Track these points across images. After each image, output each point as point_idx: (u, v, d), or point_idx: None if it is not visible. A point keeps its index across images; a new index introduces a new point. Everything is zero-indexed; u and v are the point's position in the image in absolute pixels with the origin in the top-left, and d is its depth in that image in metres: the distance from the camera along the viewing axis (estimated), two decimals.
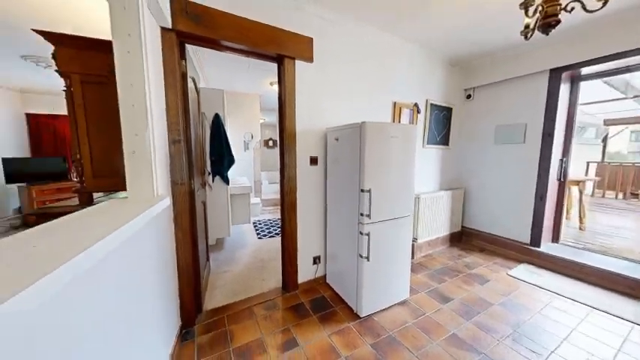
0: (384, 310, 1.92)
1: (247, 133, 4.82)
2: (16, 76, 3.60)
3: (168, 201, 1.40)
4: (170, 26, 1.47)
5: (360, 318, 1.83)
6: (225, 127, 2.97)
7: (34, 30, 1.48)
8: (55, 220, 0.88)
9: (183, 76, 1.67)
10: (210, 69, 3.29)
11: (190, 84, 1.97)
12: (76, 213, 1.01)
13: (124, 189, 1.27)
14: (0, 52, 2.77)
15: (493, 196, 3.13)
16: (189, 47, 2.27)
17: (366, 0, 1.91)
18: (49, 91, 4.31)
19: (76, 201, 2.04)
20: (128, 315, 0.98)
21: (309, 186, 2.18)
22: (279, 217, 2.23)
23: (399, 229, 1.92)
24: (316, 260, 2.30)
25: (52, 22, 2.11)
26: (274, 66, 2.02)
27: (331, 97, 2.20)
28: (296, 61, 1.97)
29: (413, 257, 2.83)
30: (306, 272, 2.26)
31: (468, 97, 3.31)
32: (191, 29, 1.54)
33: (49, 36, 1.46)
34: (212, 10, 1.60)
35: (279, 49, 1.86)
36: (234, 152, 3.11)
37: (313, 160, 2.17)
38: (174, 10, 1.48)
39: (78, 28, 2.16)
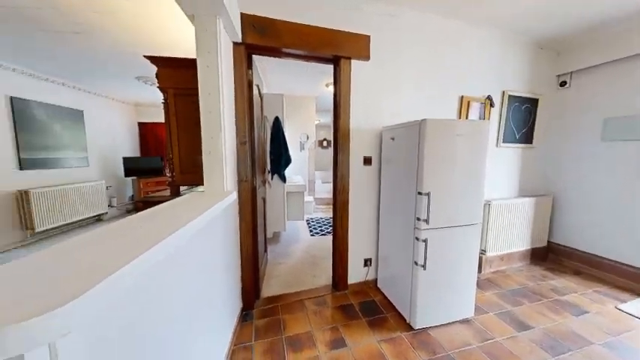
0: (442, 325, 1.75)
1: (303, 134, 5.05)
2: (132, 93, 4.64)
3: (235, 195, 1.59)
4: (240, 40, 1.66)
5: (414, 330, 1.71)
6: (284, 129, 3.19)
7: (145, 56, 1.88)
8: (154, 207, 1.10)
9: (250, 84, 1.85)
10: (273, 75, 3.56)
11: (255, 91, 2.18)
12: (168, 202, 1.24)
13: (202, 184, 1.49)
14: (122, 75, 3.61)
15: (597, 206, 2.48)
16: (254, 57, 2.52)
17: None
18: (153, 104, 5.40)
19: (168, 192, 2.51)
20: (210, 297, 1.15)
21: (362, 186, 2.14)
22: (332, 216, 2.26)
23: (463, 238, 1.71)
24: (367, 262, 2.25)
25: (157, 49, 2.63)
26: (330, 68, 2.06)
27: (388, 95, 2.11)
28: (352, 61, 1.96)
29: (480, 271, 2.48)
30: (356, 273, 2.23)
31: (563, 84, 2.71)
32: (257, 41, 1.70)
33: (153, 60, 1.82)
34: (275, 21, 1.73)
35: (335, 51, 1.89)
36: (290, 152, 3.30)
37: (367, 160, 2.12)
38: (243, 25, 1.66)
39: (174, 50, 2.64)
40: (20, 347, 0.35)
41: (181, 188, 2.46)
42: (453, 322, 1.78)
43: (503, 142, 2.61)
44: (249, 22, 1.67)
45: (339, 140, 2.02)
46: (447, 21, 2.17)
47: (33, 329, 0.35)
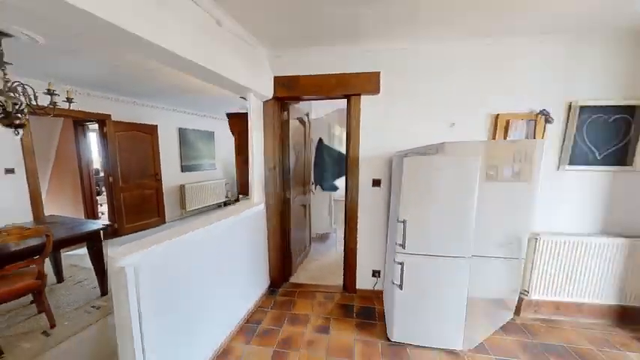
0: (422, 347, 1.82)
1: None
2: None
3: (262, 206, 2.31)
4: (271, 97, 2.34)
5: (390, 341, 1.88)
6: (334, 146, 3.71)
7: (226, 113, 2.90)
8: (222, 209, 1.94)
9: (283, 123, 2.51)
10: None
11: (296, 123, 2.84)
12: (232, 206, 2.08)
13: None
14: (231, 108, 5.16)
15: None
16: None
17: (443, 16, 1.83)
18: None
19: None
20: (239, 267, 1.90)
21: (372, 205, 2.40)
22: None
23: (449, 270, 1.72)
24: (376, 274, 2.47)
25: None
26: None
27: (400, 124, 2.25)
28: (362, 96, 2.26)
29: (518, 314, 2.17)
30: (365, 281, 2.51)
31: None
32: (284, 94, 2.34)
33: (228, 115, 2.81)
34: (298, 77, 2.29)
35: (346, 90, 2.25)
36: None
37: (376, 182, 2.36)
38: (275, 85, 2.32)
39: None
40: (123, 264, 1.12)
41: (241, 197, 3.48)
42: (436, 349, 1.81)
43: (570, 164, 2.10)
44: (279, 82, 2.32)
45: (349, 166, 2.37)
46: (472, 41, 2.06)
47: (129, 258, 1.12)
